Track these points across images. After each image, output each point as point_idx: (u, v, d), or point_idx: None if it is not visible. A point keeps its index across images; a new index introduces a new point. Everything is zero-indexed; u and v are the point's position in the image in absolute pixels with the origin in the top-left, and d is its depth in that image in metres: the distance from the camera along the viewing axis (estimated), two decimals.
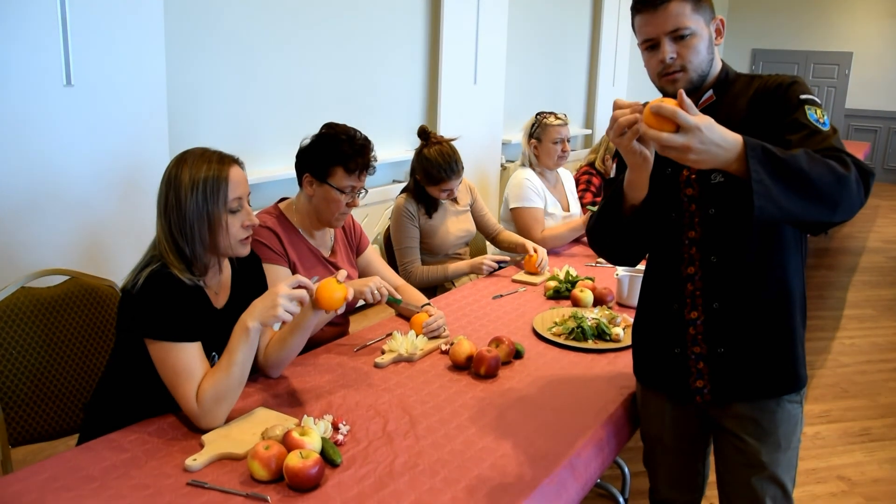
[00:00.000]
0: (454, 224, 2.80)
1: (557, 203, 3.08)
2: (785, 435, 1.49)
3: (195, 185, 1.47)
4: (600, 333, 2.00)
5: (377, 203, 4.20)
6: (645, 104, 1.19)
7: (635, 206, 1.43)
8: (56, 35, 2.43)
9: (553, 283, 2.42)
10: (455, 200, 2.82)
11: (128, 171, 2.72)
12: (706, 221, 1.44)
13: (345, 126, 2.00)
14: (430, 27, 4.60)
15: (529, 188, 2.98)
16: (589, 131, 7.09)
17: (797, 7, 10.10)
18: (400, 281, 2.28)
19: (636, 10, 1.41)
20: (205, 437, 1.40)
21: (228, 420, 1.46)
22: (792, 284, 1.45)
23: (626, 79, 7.41)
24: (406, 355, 1.85)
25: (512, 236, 2.87)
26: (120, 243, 2.72)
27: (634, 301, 2.13)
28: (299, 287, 1.48)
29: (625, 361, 1.86)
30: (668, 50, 1.37)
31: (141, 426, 1.45)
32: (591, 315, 2.08)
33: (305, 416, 1.43)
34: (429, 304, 2.13)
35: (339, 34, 3.95)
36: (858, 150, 7.18)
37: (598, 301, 2.30)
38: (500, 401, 1.65)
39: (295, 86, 3.75)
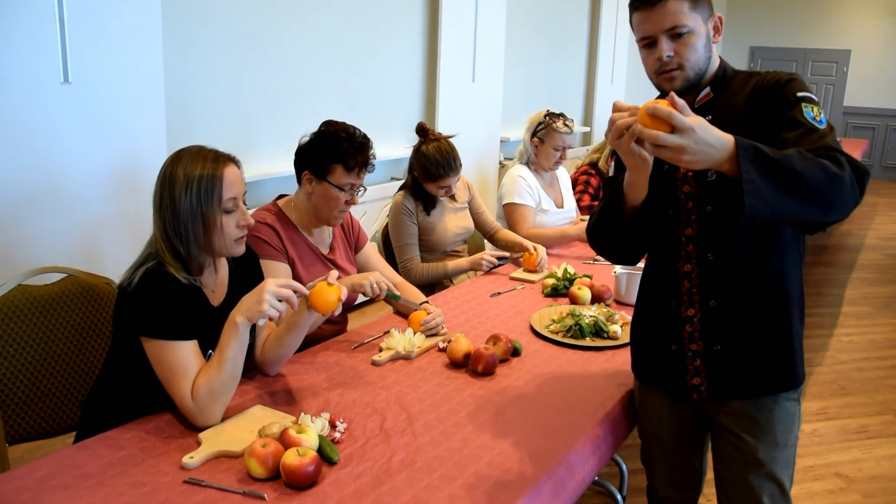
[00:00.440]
0: (452, 221, 2.80)
1: (552, 200, 3.09)
2: (782, 432, 1.49)
3: (189, 184, 1.46)
4: (598, 331, 2.00)
5: (375, 200, 4.20)
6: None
7: (636, 208, 1.43)
8: (54, 32, 2.42)
9: (551, 281, 2.42)
10: (453, 197, 2.82)
11: (125, 168, 2.71)
12: (703, 219, 1.44)
13: (344, 124, 2.00)
14: (428, 24, 4.60)
15: (523, 185, 3.00)
16: (587, 129, 7.08)
17: (795, 4, 10.10)
18: (398, 278, 2.28)
19: (634, 7, 1.41)
20: (202, 435, 1.40)
21: (225, 418, 1.46)
22: (789, 282, 1.45)
23: (624, 76, 7.40)
24: (404, 353, 1.85)
25: (509, 235, 2.87)
26: (117, 241, 2.71)
27: (632, 298, 2.13)
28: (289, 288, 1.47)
29: (622, 359, 1.86)
30: (666, 48, 1.37)
31: (138, 424, 1.45)
32: (589, 312, 2.08)
33: (302, 413, 1.44)
34: (427, 301, 2.13)
35: (337, 31, 3.95)
36: (856, 147, 7.19)
37: (596, 298, 2.30)
38: (497, 398, 1.65)
39: (293, 83, 3.74)
